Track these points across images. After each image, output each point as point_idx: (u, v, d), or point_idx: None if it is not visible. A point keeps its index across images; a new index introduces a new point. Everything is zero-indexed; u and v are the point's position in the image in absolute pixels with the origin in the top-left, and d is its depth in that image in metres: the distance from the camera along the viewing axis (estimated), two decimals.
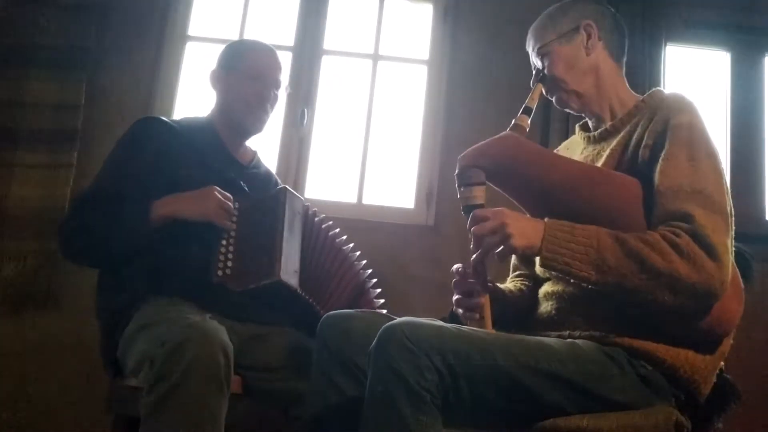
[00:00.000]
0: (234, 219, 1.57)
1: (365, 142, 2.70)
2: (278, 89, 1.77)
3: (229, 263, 1.54)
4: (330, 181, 2.73)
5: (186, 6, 2.74)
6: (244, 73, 1.71)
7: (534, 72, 1.45)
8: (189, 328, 1.30)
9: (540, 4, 1.48)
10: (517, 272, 1.54)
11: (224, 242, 1.55)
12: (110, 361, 1.53)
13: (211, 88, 1.79)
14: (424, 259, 2.56)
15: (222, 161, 1.70)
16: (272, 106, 1.76)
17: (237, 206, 1.60)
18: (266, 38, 2.60)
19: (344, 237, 1.73)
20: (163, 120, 1.69)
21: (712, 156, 1.22)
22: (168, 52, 2.68)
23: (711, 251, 1.10)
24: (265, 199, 1.63)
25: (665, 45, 2.70)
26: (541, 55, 1.42)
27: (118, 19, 2.64)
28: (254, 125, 1.74)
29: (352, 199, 2.66)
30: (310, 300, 1.58)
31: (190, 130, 1.69)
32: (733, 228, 1.21)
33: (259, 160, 1.85)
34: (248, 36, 2.74)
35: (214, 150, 1.71)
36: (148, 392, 1.26)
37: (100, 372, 1.72)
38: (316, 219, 1.69)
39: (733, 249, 1.19)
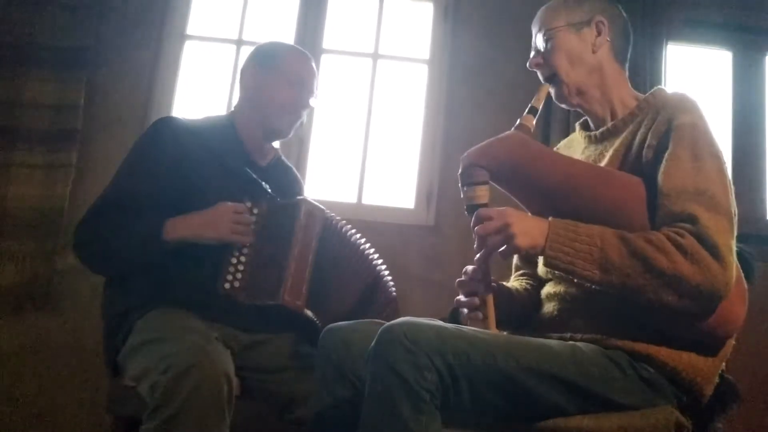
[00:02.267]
0: (251, 227, 1.54)
1: (365, 142, 2.70)
2: (312, 97, 1.74)
3: (239, 275, 1.52)
4: (330, 181, 2.72)
5: (185, 5, 2.73)
6: (285, 75, 1.68)
7: (533, 52, 1.42)
8: (193, 352, 1.28)
9: (541, 4, 1.47)
10: (520, 272, 1.53)
11: (236, 252, 1.53)
12: (110, 361, 1.53)
13: (240, 86, 1.75)
14: (424, 259, 2.55)
15: (239, 162, 1.67)
16: (305, 114, 1.74)
17: (256, 211, 1.56)
18: (266, 37, 2.62)
19: (368, 244, 1.64)
20: (180, 120, 1.66)
21: (715, 156, 1.21)
22: (167, 52, 2.67)
23: (715, 252, 1.10)
24: (284, 207, 1.58)
25: (666, 44, 2.69)
26: (546, 38, 1.39)
27: (118, 19, 2.64)
28: (285, 129, 1.71)
29: (352, 199, 2.65)
30: (317, 320, 1.55)
31: (209, 130, 1.67)
32: (736, 229, 1.20)
33: (279, 158, 1.82)
34: (248, 36, 2.73)
35: (233, 151, 1.67)
36: (150, 418, 1.25)
37: (100, 372, 1.72)
38: (341, 228, 1.61)
39: (736, 249, 1.18)
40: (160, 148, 1.58)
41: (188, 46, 2.72)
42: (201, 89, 2.74)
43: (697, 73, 2.89)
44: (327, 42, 2.76)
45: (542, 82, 1.42)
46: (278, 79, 1.68)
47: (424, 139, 2.70)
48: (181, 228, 1.50)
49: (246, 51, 2.72)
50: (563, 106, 1.44)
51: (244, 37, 2.73)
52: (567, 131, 2.47)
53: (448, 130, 2.67)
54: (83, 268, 1.60)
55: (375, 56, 2.77)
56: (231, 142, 1.69)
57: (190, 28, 2.74)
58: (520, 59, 2.66)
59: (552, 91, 1.41)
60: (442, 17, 2.79)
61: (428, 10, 2.82)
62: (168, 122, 1.65)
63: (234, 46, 2.74)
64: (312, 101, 1.75)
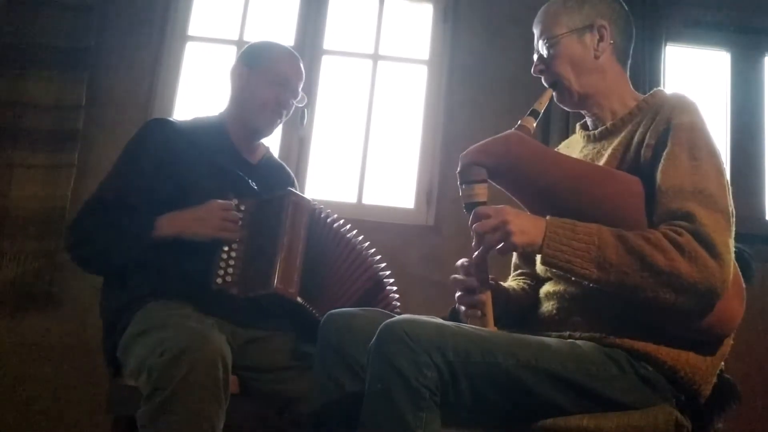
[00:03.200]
0: (239, 224, 1.56)
1: (365, 142, 2.70)
2: (296, 98, 1.76)
3: (230, 269, 1.53)
4: (330, 181, 2.73)
5: (186, 6, 2.74)
6: (268, 75, 1.71)
7: (535, 56, 1.42)
8: (188, 336, 1.29)
9: (540, 4, 1.47)
10: (518, 271, 1.53)
11: (226, 248, 1.55)
12: (110, 359, 1.54)
13: (229, 84, 1.78)
14: (424, 259, 2.56)
15: (230, 161, 1.69)
16: (288, 114, 1.76)
17: (243, 208, 1.58)
18: (266, 38, 2.62)
19: (358, 235, 1.65)
20: (170, 121, 1.69)
21: (714, 156, 1.22)
22: (168, 52, 2.68)
23: (712, 250, 1.10)
24: (270, 201, 1.61)
25: (665, 45, 2.70)
26: (548, 44, 1.39)
27: (118, 19, 2.65)
28: (266, 128, 1.74)
29: (352, 199, 2.66)
30: (311, 309, 1.56)
31: (199, 130, 1.69)
32: (734, 228, 1.21)
33: (270, 157, 1.84)
34: (248, 36, 2.74)
35: (223, 150, 1.70)
36: (146, 401, 1.26)
37: (100, 372, 1.72)
38: (327, 219, 1.63)
39: (734, 249, 1.19)
40: (148, 149, 1.61)
41: (189, 46, 2.73)
42: (202, 90, 2.75)
43: (696, 74, 2.90)
44: (327, 43, 2.77)
45: (546, 86, 1.42)
46: (261, 78, 1.71)
47: (424, 140, 2.71)
48: (171, 225, 1.52)
49: None
50: (565, 108, 1.45)
51: (245, 38, 2.73)
52: (567, 132, 2.47)
53: (447, 131, 2.68)
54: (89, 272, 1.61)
55: (375, 57, 2.78)
56: (221, 140, 1.71)
57: (192, 29, 2.74)
58: (519, 60, 2.70)
59: (554, 94, 1.42)
60: (441, 18, 2.80)
61: (428, 11, 2.83)
62: (157, 123, 1.68)
63: (235, 47, 2.74)
64: (295, 102, 1.76)
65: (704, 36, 2.84)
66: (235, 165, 1.70)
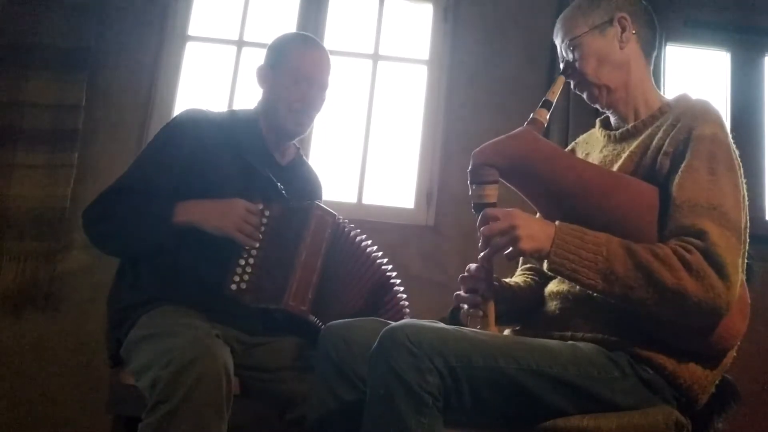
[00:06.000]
0: (261, 229, 1.52)
1: (365, 142, 2.70)
2: (325, 91, 1.71)
3: (246, 276, 1.50)
4: (330, 181, 2.72)
5: (186, 6, 2.74)
6: (289, 74, 1.65)
7: (562, 65, 1.40)
8: (194, 348, 1.28)
9: (540, 4, 1.47)
10: (527, 265, 1.53)
11: (245, 254, 1.51)
12: (112, 354, 1.53)
13: (258, 84, 1.73)
14: (424, 259, 2.56)
15: (261, 160, 1.66)
16: (317, 110, 1.71)
17: (268, 214, 1.54)
18: (266, 38, 2.62)
19: (377, 250, 1.61)
20: (204, 113, 1.65)
21: (732, 170, 1.21)
22: (168, 52, 2.68)
23: (721, 271, 1.09)
24: (296, 211, 1.55)
25: (665, 45, 2.70)
26: (572, 47, 1.38)
27: (118, 19, 2.65)
28: (295, 129, 1.68)
29: (352, 199, 2.66)
30: (322, 325, 1.53)
31: (233, 125, 1.66)
32: (747, 242, 1.20)
33: (300, 159, 1.81)
34: (248, 36, 2.74)
35: (255, 149, 1.66)
36: (149, 414, 1.25)
37: (100, 372, 1.72)
38: (352, 236, 1.58)
39: (745, 263, 1.18)
40: (178, 140, 1.58)
41: (189, 46, 2.73)
42: (202, 90, 2.74)
43: (696, 74, 2.90)
44: (327, 43, 2.76)
45: (558, 76, 1.40)
46: (284, 78, 1.66)
47: (424, 139, 2.71)
48: (192, 212, 1.50)
49: (246, 52, 2.74)
50: (595, 106, 1.42)
51: (245, 38, 2.73)
52: (566, 132, 2.47)
53: (447, 131, 2.68)
54: (84, 268, 1.61)
55: (375, 57, 2.78)
56: (254, 139, 1.68)
57: (192, 29, 2.74)
58: (519, 60, 2.70)
59: (585, 94, 1.41)
60: (441, 18, 2.80)
61: (428, 11, 2.83)
62: (191, 114, 1.64)
63: (235, 47, 2.74)
64: (324, 94, 1.71)
65: (704, 36, 2.84)
66: (265, 166, 1.66)
